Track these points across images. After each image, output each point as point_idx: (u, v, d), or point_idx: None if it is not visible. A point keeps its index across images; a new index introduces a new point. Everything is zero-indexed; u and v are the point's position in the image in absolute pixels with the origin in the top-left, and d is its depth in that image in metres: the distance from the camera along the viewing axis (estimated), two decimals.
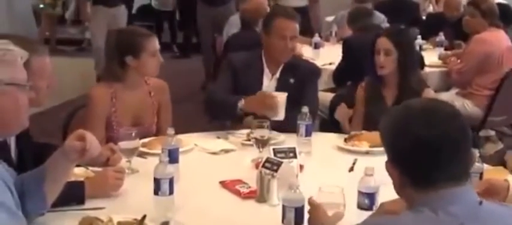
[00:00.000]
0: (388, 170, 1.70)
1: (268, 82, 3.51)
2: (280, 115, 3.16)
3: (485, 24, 5.09)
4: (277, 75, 3.54)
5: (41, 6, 10.82)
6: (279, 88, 3.42)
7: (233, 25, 6.07)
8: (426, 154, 1.60)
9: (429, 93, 3.45)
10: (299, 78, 3.49)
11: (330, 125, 4.34)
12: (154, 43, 3.23)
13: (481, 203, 1.60)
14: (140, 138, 2.83)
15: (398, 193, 1.72)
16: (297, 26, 3.51)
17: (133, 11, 10.63)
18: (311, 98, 3.48)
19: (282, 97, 3.17)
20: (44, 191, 2.04)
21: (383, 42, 3.44)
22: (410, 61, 3.50)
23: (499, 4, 5.86)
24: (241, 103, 3.28)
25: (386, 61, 3.41)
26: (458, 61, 5.22)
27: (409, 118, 1.63)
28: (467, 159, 1.66)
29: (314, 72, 3.68)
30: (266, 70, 3.55)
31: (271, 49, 3.49)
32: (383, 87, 3.51)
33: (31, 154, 2.53)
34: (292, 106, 3.29)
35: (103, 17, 7.52)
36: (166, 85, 3.42)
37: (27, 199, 2.00)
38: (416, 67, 3.61)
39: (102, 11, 7.56)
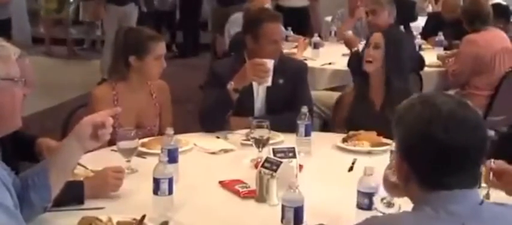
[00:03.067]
0: (396, 160, 1.66)
1: (258, 86, 3.42)
2: (269, 81, 3.23)
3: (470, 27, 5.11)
4: None
5: (40, 6, 10.82)
6: (269, 90, 3.40)
7: (235, 24, 6.02)
8: (444, 160, 1.54)
9: None
10: (288, 78, 3.45)
11: (330, 125, 4.32)
12: (161, 47, 3.21)
13: (482, 202, 1.60)
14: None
15: (401, 184, 1.68)
16: (282, 26, 3.52)
17: None
18: (305, 96, 3.47)
19: (270, 62, 3.22)
20: (49, 181, 2.01)
21: (375, 36, 3.48)
22: (396, 62, 3.43)
23: (499, 4, 5.87)
24: (230, 84, 3.23)
25: (374, 54, 3.41)
26: (453, 62, 5.23)
27: (434, 121, 1.54)
28: (480, 166, 1.64)
29: (302, 69, 3.65)
30: None
31: (259, 53, 3.36)
32: (370, 89, 3.48)
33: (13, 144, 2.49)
34: (286, 106, 3.28)
35: (115, 15, 7.95)
36: (167, 85, 3.41)
37: (32, 191, 1.99)
38: (402, 73, 3.49)
39: (113, 9, 7.99)
